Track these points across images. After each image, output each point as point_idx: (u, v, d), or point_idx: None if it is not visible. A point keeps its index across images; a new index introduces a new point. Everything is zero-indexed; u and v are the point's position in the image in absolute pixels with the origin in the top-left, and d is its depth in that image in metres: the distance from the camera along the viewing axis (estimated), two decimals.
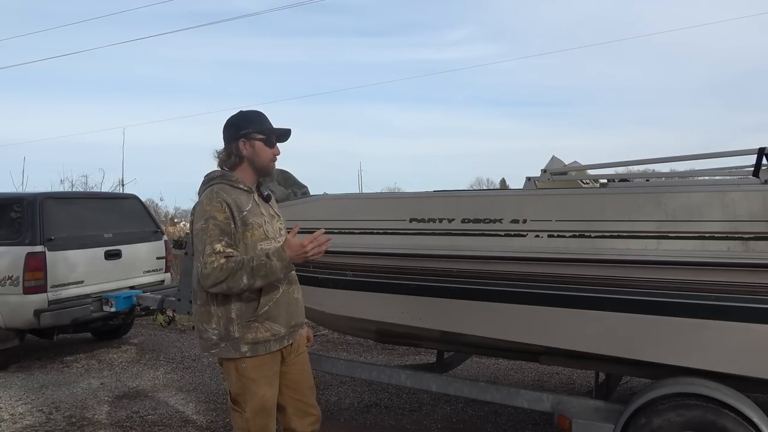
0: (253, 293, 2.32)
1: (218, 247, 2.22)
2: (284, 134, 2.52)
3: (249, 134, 2.43)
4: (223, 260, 2.20)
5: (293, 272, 2.48)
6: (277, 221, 2.54)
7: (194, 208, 2.39)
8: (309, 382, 2.59)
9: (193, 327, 2.55)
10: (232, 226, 2.29)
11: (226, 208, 2.29)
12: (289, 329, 2.44)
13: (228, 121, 2.50)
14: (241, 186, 2.41)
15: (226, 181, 2.40)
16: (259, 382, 2.36)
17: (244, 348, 2.33)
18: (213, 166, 2.54)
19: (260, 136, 2.43)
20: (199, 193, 2.45)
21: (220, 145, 2.53)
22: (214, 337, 2.35)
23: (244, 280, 2.20)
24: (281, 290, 2.40)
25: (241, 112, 2.51)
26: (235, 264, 2.20)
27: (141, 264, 6.67)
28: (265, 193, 2.53)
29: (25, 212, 5.83)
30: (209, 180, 2.45)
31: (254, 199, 2.44)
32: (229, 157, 2.45)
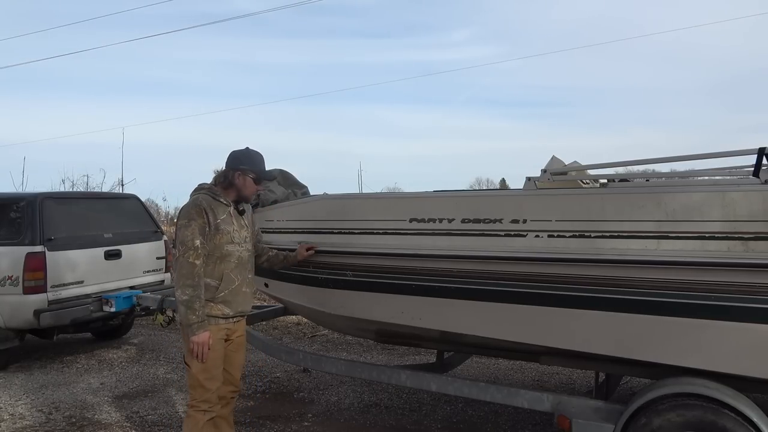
0: (215, 282, 3.04)
1: (197, 242, 2.97)
2: (268, 177, 3.40)
3: (246, 170, 3.15)
4: (197, 268, 2.95)
5: (250, 274, 3.24)
6: (245, 231, 3.22)
7: (182, 208, 3.11)
8: (241, 361, 3.32)
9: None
10: (207, 229, 3.02)
11: (204, 215, 3.02)
12: (236, 313, 3.15)
13: (235, 152, 3.20)
14: (221, 200, 3.13)
15: (210, 194, 3.12)
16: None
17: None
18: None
19: (252, 175, 3.17)
20: (191, 196, 3.17)
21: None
22: None
23: (186, 294, 2.94)
24: (237, 283, 3.11)
25: (248, 149, 3.22)
26: (194, 283, 2.93)
27: (141, 264, 6.66)
28: (241, 209, 3.22)
29: (25, 212, 5.82)
30: (198, 189, 3.18)
31: (229, 211, 3.14)
32: (225, 179, 3.16)
